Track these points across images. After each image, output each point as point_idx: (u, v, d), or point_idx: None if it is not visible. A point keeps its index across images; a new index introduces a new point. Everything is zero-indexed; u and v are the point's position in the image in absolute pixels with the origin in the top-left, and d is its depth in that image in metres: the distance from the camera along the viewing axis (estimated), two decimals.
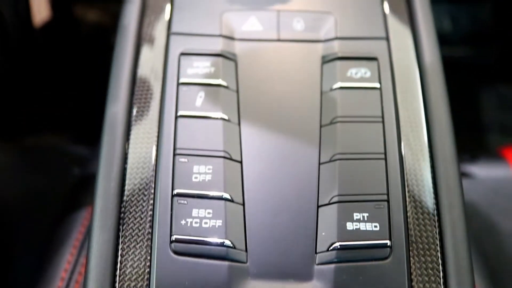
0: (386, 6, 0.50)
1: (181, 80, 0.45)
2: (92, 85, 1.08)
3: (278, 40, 0.48)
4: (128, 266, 0.39)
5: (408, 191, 0.41)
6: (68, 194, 0.68)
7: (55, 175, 0.75)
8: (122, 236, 0.40)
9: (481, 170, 0.80)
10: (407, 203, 0.41)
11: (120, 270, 0.39)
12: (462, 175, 0.48)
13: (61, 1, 1.29)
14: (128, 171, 0.42)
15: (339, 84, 0.45)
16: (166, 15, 0.50)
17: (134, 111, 0.45)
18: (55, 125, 1.02)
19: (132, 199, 0.41)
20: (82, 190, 0.67)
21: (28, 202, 0.70)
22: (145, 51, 0.48)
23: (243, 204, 0.40)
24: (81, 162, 0.75)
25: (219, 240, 0.38)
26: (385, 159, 0.42)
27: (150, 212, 0.40)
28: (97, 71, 1.13)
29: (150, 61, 0.47)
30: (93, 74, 1.14)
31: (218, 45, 0.47)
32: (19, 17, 0.78)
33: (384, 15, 0.49)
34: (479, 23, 1.22)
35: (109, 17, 1.28)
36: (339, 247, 0.38)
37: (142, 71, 0.47)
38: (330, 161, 0.42)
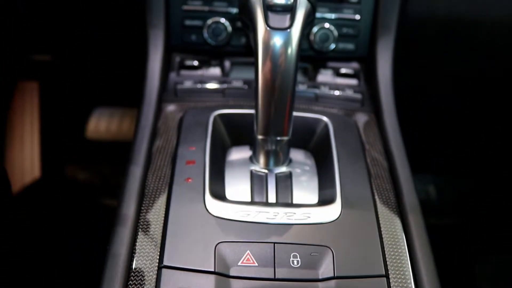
0: (384, 238, 0.50)
1: None
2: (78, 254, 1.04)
3: (274, 279, 0.46)
4: None
5: None
6: None
7: None
8: None
9: None
10: None
11: None
12: None
13: (53, 161, 1.31)
14: None
15: None
16: (158, 244, 0.48)
17: None
18: None
19: None
20: None
21: None
22: None
23: None
24: None
25: None
26: None
27: None
28: (84, 238, 1.10)
29: None
30: (79, 242, 1.11)
31: (211, 285, 0.45)
32: None
33: (383, 249, 0.49)
34: (464, 195, 1.25)
35: (100, 178, 1.29)
36: None
37: None
38: None
